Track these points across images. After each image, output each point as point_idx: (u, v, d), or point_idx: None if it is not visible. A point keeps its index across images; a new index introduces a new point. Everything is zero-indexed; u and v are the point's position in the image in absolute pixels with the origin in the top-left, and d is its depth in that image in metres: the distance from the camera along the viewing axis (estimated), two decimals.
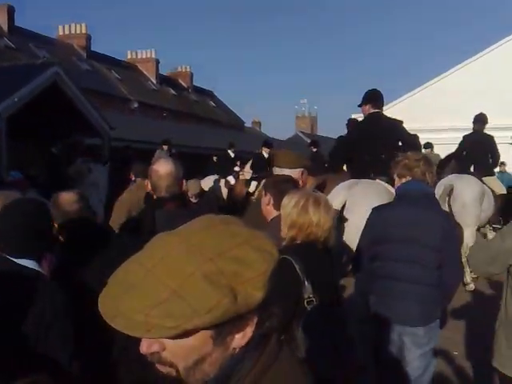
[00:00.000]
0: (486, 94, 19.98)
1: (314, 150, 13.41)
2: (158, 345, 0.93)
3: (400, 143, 6.01)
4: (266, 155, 12.49)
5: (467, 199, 7.76)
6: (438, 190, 7.50)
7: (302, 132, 43.81)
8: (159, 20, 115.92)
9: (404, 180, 3.56)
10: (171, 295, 0.87)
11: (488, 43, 22.87)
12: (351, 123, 9.53)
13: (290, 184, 3.30)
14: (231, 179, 13.17)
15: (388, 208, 3.63)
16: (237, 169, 13.76)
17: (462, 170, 8.56)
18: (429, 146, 12.68)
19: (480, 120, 9.15)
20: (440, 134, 13.80)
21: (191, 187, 7.24)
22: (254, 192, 11.28)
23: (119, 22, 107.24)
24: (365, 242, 3.55)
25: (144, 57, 34.43)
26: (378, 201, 4.28)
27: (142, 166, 5.44)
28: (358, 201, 5.17)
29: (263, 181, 10.88)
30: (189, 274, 0.88)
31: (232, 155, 14.85)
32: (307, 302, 2.29)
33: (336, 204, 4.92)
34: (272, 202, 3.23)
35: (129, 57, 34.86)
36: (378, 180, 5.66)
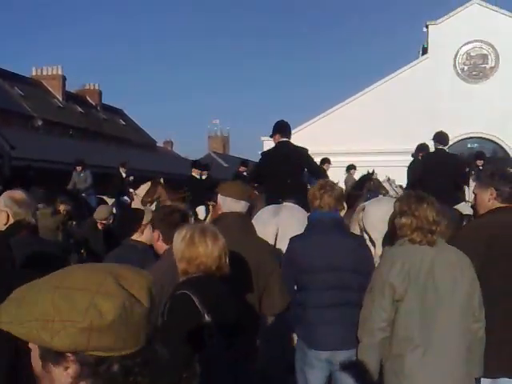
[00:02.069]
0: (386, 120, 21.19)
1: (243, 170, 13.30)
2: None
3: (306, 169, 6.68)
4: (197, 177, 12.36)
5: (374, 218, 8.05)
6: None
7: (214, 152, 44.04)
8: (67, 35, 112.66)
9: (313, 207, 3.67)
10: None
11: (386, 71, 24.34)
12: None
13: (177, 214, 3.30)
14: (126, 199, 12.91)
15: (304, 238, 3.68)
16: (131, 190, 13.40)
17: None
18: (352, 167, 13.51)
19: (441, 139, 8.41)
20: (342, 157, 14.42)
21: (97, 213, 6.86)
22: (206, 218, 10.86)
23: (24, 38, 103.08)
24: (287, 274, 3.51)
25: (50, 73, 33.29)
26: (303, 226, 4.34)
27: (36, 190, 5.22)
28: (289, 228, 5.18)
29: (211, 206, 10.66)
30: (44, 291, 1.00)
31: (124, 174, 14.21)
32: (208, 336, 2.27)
33: (270, 233, 5.10)
34: (161, 237, 3.23)
35: (34, 73, 33.57)
36: (285, 203, 5.92)
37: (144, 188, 13.27)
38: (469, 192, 8.23)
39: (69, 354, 0.97)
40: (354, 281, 3.47)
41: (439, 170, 7.80)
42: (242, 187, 3.69)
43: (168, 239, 3.10)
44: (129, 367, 1.00)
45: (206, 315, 2.28)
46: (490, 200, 3.50)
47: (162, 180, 12.68)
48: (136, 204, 12.64)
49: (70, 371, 0.98)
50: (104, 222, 6.74)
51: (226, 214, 3.41)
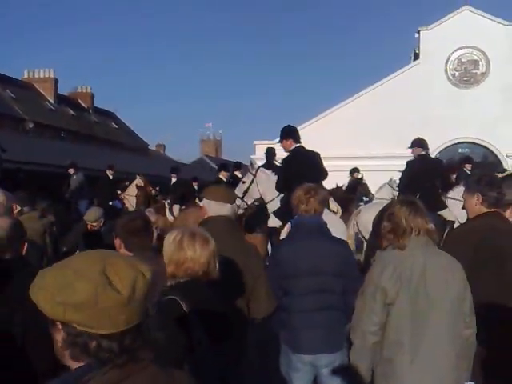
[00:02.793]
0: (379, 124, 21.28)
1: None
2: None
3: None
4: (224, 179, 11.83)
5: (367, 222, 8.14)
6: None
7: (206, 155, 44.04)
8: (59, 38, 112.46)
9: (299, 211, 3.67)
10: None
11: (379, 76, 24.46)
12: (271, 152, 10.06)
13: (139, 221, 3.23)
14: (117, 204, 12.87)
15: (289, 242, 3.70)
16: (119, 192, 13.41)
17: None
18: (356, 170, 13.57)
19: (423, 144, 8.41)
20: (334, 161, 14.46)
21: (87, 215, 6.58)
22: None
23: (16, 40, 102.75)
24: (272, 278, 3.50)
25: (42, 76, 33.14)
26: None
27: (25, 194, 5.14)
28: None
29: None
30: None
31: (111, 177, 14.12)
32: (197, 342, 2.24)
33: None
34: (123, 245, 3.15)
35: (25, 76, 33.42)
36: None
37: (132, 189, 13.23)
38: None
39: (57, 322, 1.20)
40: (338, 285, 3.51)
41: (424, 175, 7.82)
42: (227, 191, 3.73)
43: (130, 247, 3.06)
44: (105, 346, 1.18)
45: (194, 321, 2.26)
46: (476, 205, 3.56)
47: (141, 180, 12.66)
48: (132, 203, 12.59)
49: (59, 336, 1.22)
50: (94, 224, 6.51)
51: (213, 217, 3.41)
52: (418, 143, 8.38)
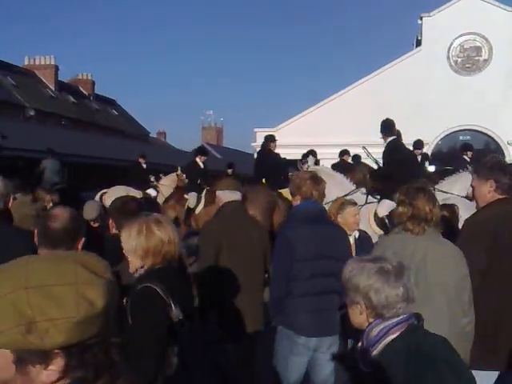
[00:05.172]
0: (379, 112, 21.17)
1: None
2: None
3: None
4: (201, 164, 11.65)
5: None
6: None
7: (207, 143, 43.95)
8: (60, 25, 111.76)
9: (296, 198, 3.72)
10: None
11: (380, 63, 24.32)
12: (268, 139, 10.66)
13: (133, 204, 3.35)
14: (151, 191, 12.59)
15: (296, 227, 3.68)
16: (152, 179, 13.27)
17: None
18: (345, 152, 12.86)
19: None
20: (334, 149, 14.42)
21: (86, 212, 5.39)
22: (196, 207, 10.82)
23: (17, 27, 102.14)
24: (284, 263, 3.56)
25: (43, 63, 33.03)
26: None
27: (20, 180, 5.12)
28: None
29: (204, 194, 10.61)
30: (2, 294, 0.94)
31: (144, 166, 14.14)
32: (178, 325, 2.24)
33: None
34: (115, 225, 3.26)
35: (26, 63, 33.30)
36: None
37: (168, 179, 13.14)
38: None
39: (57, 350, 0.95)
40: (340, 269, 3.52)
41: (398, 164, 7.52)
42: (235, 182, 4.53)
43: (120, 228, 3.07)
44: (108, 348, 1.02)
45: (172, 305, 2.23)
46: (490, 192, 3.44)
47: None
48: (166, 193, 12.51)
49: (54, 367, 0.96)
50: (95, 225, 5.37)
51: (228, 202, 4.18)
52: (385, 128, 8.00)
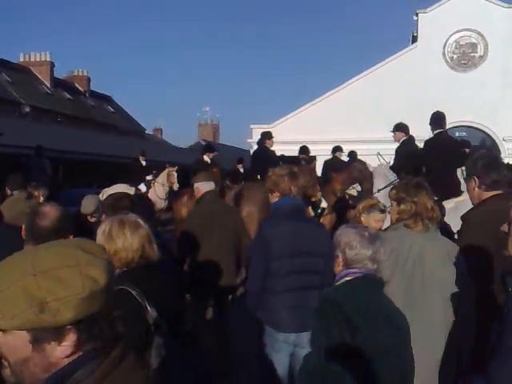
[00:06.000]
0: (375, 108, 21.20)
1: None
2: None
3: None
4: (208, 161, 11.40)
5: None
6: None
7: (204, 140, 43.86)
8: (55, 22, 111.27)
9: (274, 195, 3.69)
10: None
11: (376, 60, 24.32)
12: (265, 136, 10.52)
13: (126, 200, 3.40)
14: (142, 187, 12.71)
15: (274, 224, 3.67)
16: (149, 177, 13.37)
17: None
18: (338, 149, 12.66)
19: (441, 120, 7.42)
20: (330, 145, 14.40)
21: (83, 206, 5.46)
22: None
23: (12, 23, 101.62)
24: (260, 259, 3.56)
25: (38, 59, 32.88)
26: None
27: (17, 177, 5.07)
28: None
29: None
30: (12, 282, 1.04)
31: (144, 163, 14.37)
32: (155, 327, 2.18)
33: None
34: None
35: (21, 59, 33.15)
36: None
37: (164, 175, 13.21)
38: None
39: (68, 326, 1.05)
40: (321, 266, 3.55)
41: (443, 157, 6.98)
42: (207, 174, 5.67)
43: None
44: (113, 321, 1.13)
45: (148, 307, 2.18)
46: (474, 189, 3.39)
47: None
48: (159, 191, 12.60)
49: (67, 342, 1.07)
50: (92, 218, 5.43)
51: (205, 192, 5.15)
52: (402, 128, 8.04)
